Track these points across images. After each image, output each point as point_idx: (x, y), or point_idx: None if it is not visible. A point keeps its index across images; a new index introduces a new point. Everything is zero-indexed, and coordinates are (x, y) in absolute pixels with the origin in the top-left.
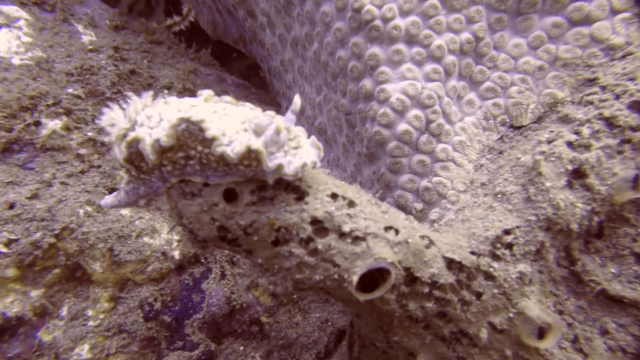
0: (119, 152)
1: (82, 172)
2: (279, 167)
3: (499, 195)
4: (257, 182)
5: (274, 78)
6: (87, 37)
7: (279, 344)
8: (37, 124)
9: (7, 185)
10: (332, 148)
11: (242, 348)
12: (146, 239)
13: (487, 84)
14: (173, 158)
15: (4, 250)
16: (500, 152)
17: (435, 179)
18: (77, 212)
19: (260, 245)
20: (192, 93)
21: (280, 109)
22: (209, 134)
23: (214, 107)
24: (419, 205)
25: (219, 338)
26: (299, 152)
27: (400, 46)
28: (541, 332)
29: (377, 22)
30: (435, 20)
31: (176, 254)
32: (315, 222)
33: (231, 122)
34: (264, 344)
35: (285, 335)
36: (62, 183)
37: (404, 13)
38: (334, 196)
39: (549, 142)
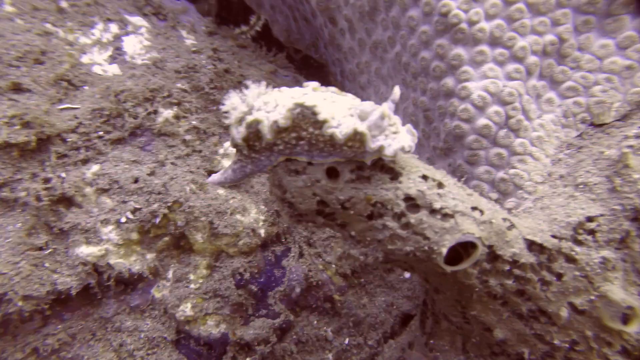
0: (237, 133)
1: (187, 155)
2: (381, 148)
3: (581, 186)
4: (356, 163)
5: (346, 80)
6: (190, 40)
7: (349, 320)
8: (156, 112)
9: (132, 163)
10: None
11: (316, 322)
12: (238, 216)
13: (569, 83)
14: (286, 138)
15: (131, 216)
16: (580, 148)
17: (512, 170)
18: (185, 189)
19: (355, 219)
20: None
21: None
22: (321, 117)
23: (323, 96)
24: (494, 195)
25: (296, 311)
26: (397, 137)
27: (484, 47)
28: (625, 319)
29: (463, 25)
30: (520, 23)
31: (262, 232)
32: (408, 199)
33: (339, 108)
34: (335, 320)
35: (355, 314)
36: (172, 164)
37: (489, 17)
38: (424, 177)
39: (637, 136)
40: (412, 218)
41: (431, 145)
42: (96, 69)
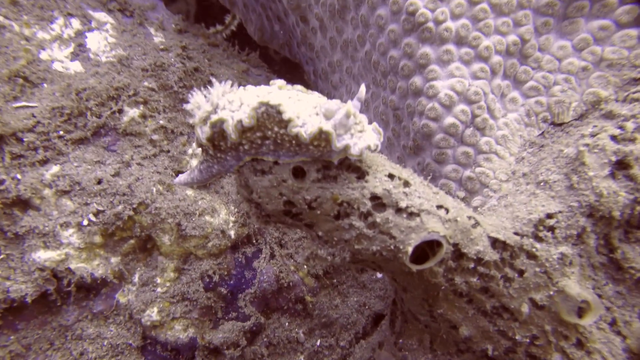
0: (202, 132)
1: (155, 155)
2: (346, 147)
3: (542, 184)
4: (322, 162)
5: (319, 79)
6: (158, 38)
7: (321, 322)
8: (121, 111)
9: (96, 164)
10: None
11: (287, 324)
12: (207, 218)
13: (531, 83)
14: (251, 138)
15: (93, 219)
16: (542, 147)
17: (478, 169)
18: (151, 190)
19: (322, 219)
20: None
21: None
22: (286, 116)
23: (288, 94)
24: (461, 194)
25: (268, 313)
26: (363, 135)
27: (450, 47)
28: (580, 312)
29: (430, 24)
30: (485, 23)
31: (232, 233)
32: (374, 198)
33: (304, 107)
34: (307, 322)
35: (327, 315)
36: (138, 164)
37: (455, 16)
38: (391, 176)
39: (593, 135)
40: (378, 217)
41: (401, 144)
42: (56, 66)
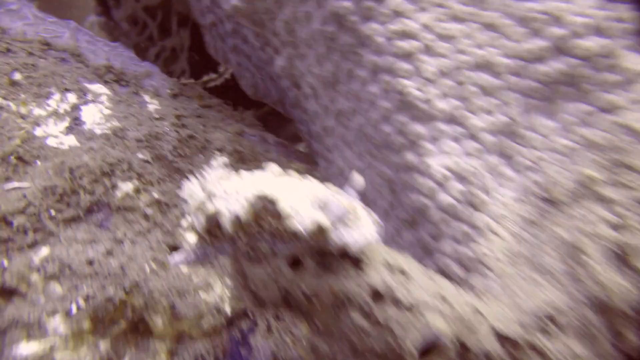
0: (198, 223)
1: (148, 230)
2: (345, 244)
3: (544, 271)
4: (319, 252)
5: (313, 140)
6: (153, 106)
7: None
8: (115, 187)
9: (88, 243)
10: (373, 210)
11: None
12: (202, 295)
13: (525, 161)
14: (248, 230)
15: (83, 304)
16: (540, 227)
17: (476, 248)
18: (144, 269)
19: (320, 311)
20: (241, 154)
21: (318, 167)
22: (283, 210)
23: (284, 182)
24: (460, 273)
25: None
26: (361, 229)
27: (442, 125)
28: None
29: (421, 104)
30: (477, 105)
31: (227, 308)
32: (373, 291)
33: (301, 198)
34: None
35: None
36: (131, 241)
37: (444, 96)
38: (389, 266)
39: (591, 222)
40: (378, 312)
41: (398, 216)
42: (51, 142)
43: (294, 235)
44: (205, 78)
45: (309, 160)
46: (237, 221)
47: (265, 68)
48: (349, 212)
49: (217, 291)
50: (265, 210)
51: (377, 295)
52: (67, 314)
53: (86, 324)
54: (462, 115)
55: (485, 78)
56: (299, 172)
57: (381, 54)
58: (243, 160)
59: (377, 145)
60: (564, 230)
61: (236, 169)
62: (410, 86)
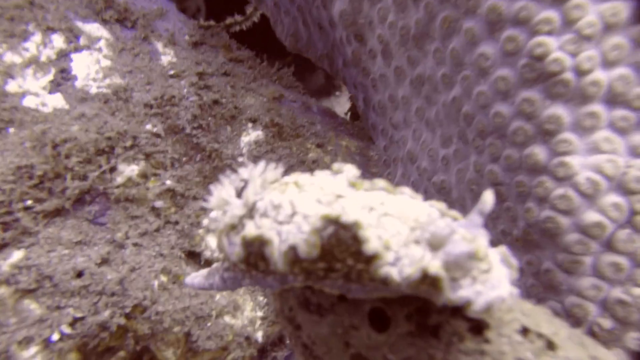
0: (231, 248)
1: (158, 229)
2: (467, 303)
3: None
4: (415, 302)
5: (371, 111)
6: (167, 57)
7: None
8: (113, 170)
9: (76, 246)
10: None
11: None
12: (227, 319)
13: None
14: (310, 268)
15: (68, 331)
16: None
17: (636, 290)
18: (151, 285)
19: None
20: (281, 128)
21: (373, 144)
22: (369, 248)
23: (369, 200)
24: (605, 323)
25: None
26: (489, 279)
27: (597, 108)
28: None
29: (568, 75)
30: None
31: (259, 335)
32: None
33: (396, 228)
34: None
35: None
36: (135, 245)
37: (609, 64)
38: (525, 332)
39: None
40: None
41: (499, 228)
42: (29, 102)
43: (384, 283)
44: (229, 20)
45: (363, 136)
46: (293, 255)
47: (313, 12)
48: (474, 256)
49: (246, 313)
50: (339, 243)
51: None
52: (47, 343)
53: (73, 357)
54: (633, 93)
55: None
56: (350, 150)
57: None
58: (281, 136)
59: (482, 131)
60: None
61: (274, 148)
62: (553, 47)
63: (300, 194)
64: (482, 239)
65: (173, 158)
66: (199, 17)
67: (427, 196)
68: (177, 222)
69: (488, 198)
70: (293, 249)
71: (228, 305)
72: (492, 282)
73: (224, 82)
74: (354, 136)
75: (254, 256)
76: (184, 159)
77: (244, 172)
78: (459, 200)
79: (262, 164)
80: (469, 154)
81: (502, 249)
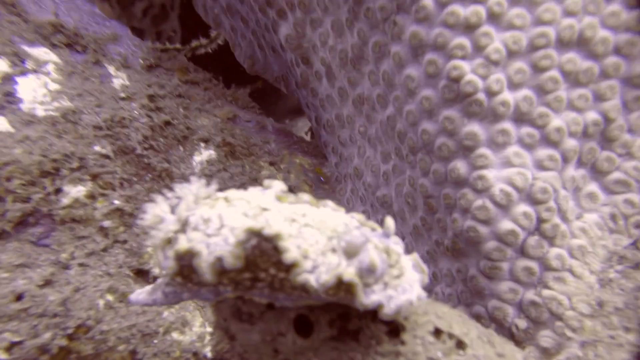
0: (165, 261)
1: (105, 249)
2: (379, 306)
3: None
4: (338, 309)
5: (323, 129)
6: (119, 80)
7: None
8: (58, 191)
9: (17, 268)
10: (398, 225)
11: None
12: (175, 335)
13: (616, 174)
14: (237, 279)
15: (4, 356)
16: (637, 265)
17: (546, 292)
18: (96, 304)
19: None
20: (233, 147)
21: (326, 162)
22: (288, 257)
23: (291, 213)
24: (522, 323)
25: None
26: (401, 283)
27: (507, 125)
28: None
29: (480, 96)
30: (555, 97)
31: (208, 351)
32: None
33: (315, 238)
34: None
35: None
36: (80, 265)
37: (514, 86)
38: (437, 333)
39: None
40: None
41: (433, 239)
42: None
43: (303, 289)
44: (194, 43)
45: (316, 154)
46: (220, 266)
47: (266, 36)
48: (387, 262)
49: (195, 328)
50: (262, 254)
51: None
52: None
53: None
54: (536, 113)
55: (573, 60)
56: (304, 167)
57: (429, 23)
58: (234, 155)
59: (413, 147)
60: None
61: (226, 167)
62: (467, 70)
63: (229, 208)
64: (394, 247)
65: (122, 178)
66: (175, 40)
67: (373, 210)
68: (125, 241)
69: (389, 223)
70: (219, 260)
71: (176, 321)
72: (404, 286)
73: (177, 103)
74: (308, 154)
75: (187, 269)
76: (134, 178)
77: (179, 190)
78: (400, 213)
79: (195, 181)
80: (405, 169)
81: (414, 255)
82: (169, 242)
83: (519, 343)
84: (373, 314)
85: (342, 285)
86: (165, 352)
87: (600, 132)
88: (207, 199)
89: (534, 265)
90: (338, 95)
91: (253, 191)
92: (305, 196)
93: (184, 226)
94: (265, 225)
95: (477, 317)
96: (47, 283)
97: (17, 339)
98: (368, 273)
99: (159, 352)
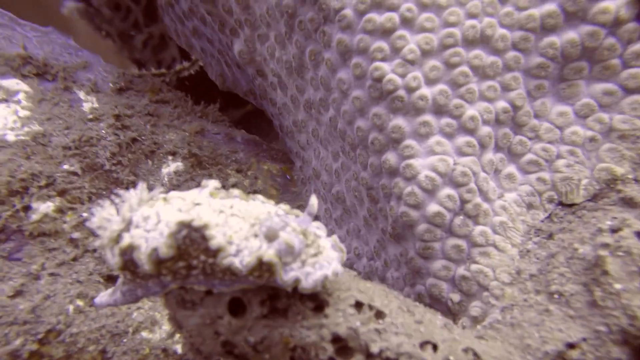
0: (112, 258)
1: (75, 259)
2: (296, 281)
3: (555, 296)
4: (268, 290)
5: (286, 136)
6: (89, 104)
7: None
8: (27, 208)
9: None
10: (352, 218)
11: None
12: (145, 334)
13: (529, 156)
14: (173, 268)
15: None
16: (550, 235)
17: (473, 266)
18: (66, 310)
19: None
20: (198, 158)
21: (293, 166)
22: (214, 243)
23: (220, 205)
24: (455, 297)
25: None
26: (318, 260)
27: (428, 117)
28: None
29: (401, 92)
30: (467, 89)
31: (178, 348)
32: (337, 340)
33: (239, 225)
34: None
35: None
36: (51, 275)
37: (430, 82)
38: (358, 305)
39: (613, 231)
40: None
41: (380, 227)
42: None
43: (231, 272)
44: (178, 67)
45: (285, 159)
46: (156, 256)
47: (229, 53)
48: (302, 242)
49: (164, 327)
50: (192, 242)
51: (343, 347)
52: None
53: None
54: (452, 104)
55: (479, 55)
56: (272, 173)
57: (351, 31)
58: (201, 165)
59: (352, 144)
60: (580, 242)
61: (193, 177)
62: (387, 70)
63: (166, 206)
64: (312, 229)
65: (91, 192)
66: (174, 67)
67: (333, 207)
68: (95, 250)
69: (313, 202)
70: (155, 250)
71: (145, 321)
72: (321, 263)
73: (145, 121)
74: (277, 160)
75: (130, 263)
76: (104, 192)
77: (124, 195)
78: (352, 207)
79: (139, 186)
80: (350, 165)
81: (334, 237)
82: (115, 240)
83: (454, 315)
84: (300, 294)
85: (263, 266)
86: (135, 350)
87: (511, 118)
88: (150, 200)
89: (462, 243)
90: (291, 102)
91: (191, 191)
92: (236, 191)
93: (127, 225)
94: (196, 217)
95: (419, 296)
96: (18, 294)
97: None
98: (286, 253)
99: (129, 350)
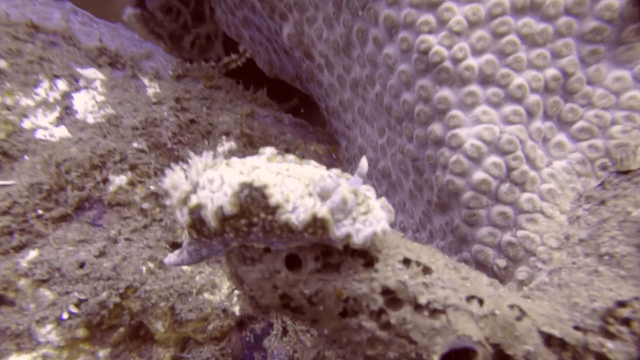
0: (182, 217)
1: (145, 226)
2: (347, 236)
3: (606, 257)
4: (322, 247)
5: (332, 117)
6: (152, 89)
7: None
8: (106, 180)
9: (79, 243)
10: (397, 192)
11: None
12: (206, 295)
13: (581, 123)
14: (236, 225)
15: (75, 310)
16: (602, 202)
17: (520, 232)
18: (140, 270)
19: (326, 316)
20: (250, 138)
21: (339, 147)
22: (272, 201)
23: (277, 168)
24: (501, 262)
25: None
26: (368, 218)
27: (474, 88)
28: None
29: (447, 64)
30: (515, 58)
31: (236, 309)
32: (387, 292)
33: (295, 186)
34: None
35: None
36: (126, 239)
37: (476, 52)
38: (406, 262)
39: None
40: (393, 317)
41: (425, 199)
42: (40, 134)
43: (289, 230)
44: (226, 60)
45: (331, 141)
46: (221, 214)
47: (277, 40)
48: (353, 200)
49: (223, 290)
50: (253, 201)
51: (392, 299)
52: (59, 322)
53: (81, 332)
54: (499, 74)
55: (528, 23)
56: (318, 154)
57: (398, 6)
58: (253, 144)
59: (398, 117)
60: (634, 205)
61: (245, 155)
62: (433, 43)
63: (228, 169)
64: (362, 189)
65: (156, 168)
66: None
67: (378, 183)
68: (161, 220)
69: (363, 163)
70: (220, 208)
71: (206, 284)
72: (370, 220)
73: (200, 104)
74: (323, 142)
75: (198, 221)
76: (167, 168)
77: (191, 162)
78: (398, 181)
79: (204, 154)
80: (396, 139)
81: (382, 199)
82: (184, 201)
83: (501, 281)
84: (352, 250)
85: (317, 222)
86: (199, 308)
87: (561, 86)
88: (214, 165)
89: (508, 209)
90: (338, 82)
91: (251, 157)
92: (291, 156)
93: (194, 187)
94: (256, 178)
95: (465, 262)
96: (102, 254)
97: (83, 297)
98: (338, 210)
99: (194, 308)
